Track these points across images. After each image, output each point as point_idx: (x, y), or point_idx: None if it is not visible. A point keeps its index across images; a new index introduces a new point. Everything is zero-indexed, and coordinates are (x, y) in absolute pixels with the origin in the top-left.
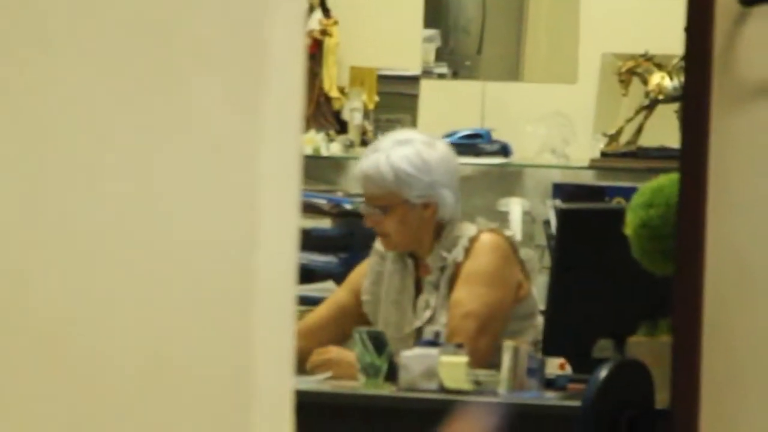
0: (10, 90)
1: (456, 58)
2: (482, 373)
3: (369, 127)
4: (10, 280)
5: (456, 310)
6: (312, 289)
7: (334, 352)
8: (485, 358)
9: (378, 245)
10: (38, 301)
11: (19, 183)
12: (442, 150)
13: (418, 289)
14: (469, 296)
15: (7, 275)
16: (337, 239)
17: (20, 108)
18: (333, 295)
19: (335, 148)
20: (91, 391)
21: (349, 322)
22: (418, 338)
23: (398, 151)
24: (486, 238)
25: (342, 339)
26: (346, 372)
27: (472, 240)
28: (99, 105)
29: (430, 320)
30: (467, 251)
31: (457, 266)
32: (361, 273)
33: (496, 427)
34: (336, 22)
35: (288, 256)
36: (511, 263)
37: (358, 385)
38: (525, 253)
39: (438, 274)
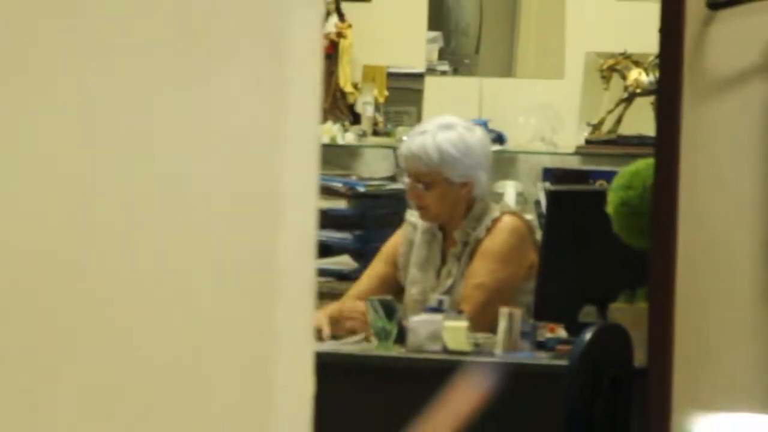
0: (69, 81)
1: (456, 57)
2: (481, 336)
3: (380, 118)
4: (57, 262)
5: (470, 280)
6: (329, 263)
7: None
8: (490, 326)
9: (410, 216)
10: (83, 275)
11: (67, 166)
12: (480, 135)
13: (444, 260)
14: (483, 270)
15: (54, 257)
16: (351, 218)
17: (74, 94)
18: (370, 269)
19: (350, 138)
20: (129, 351)
21: (391, 292)
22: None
23: (443, 135)
24: (507, 219)
25: None
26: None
27: (495, 220)
28: (142, 96)
29: (450, 289)
30: (488, 230)
31: (478, 242)
32: (395, 244)
33: (492, 386)
34: (350, 26)
35: (308, 233)
36: (527, 244)
37: (371, 347)
38: (540, 235)
39: (461, 247)
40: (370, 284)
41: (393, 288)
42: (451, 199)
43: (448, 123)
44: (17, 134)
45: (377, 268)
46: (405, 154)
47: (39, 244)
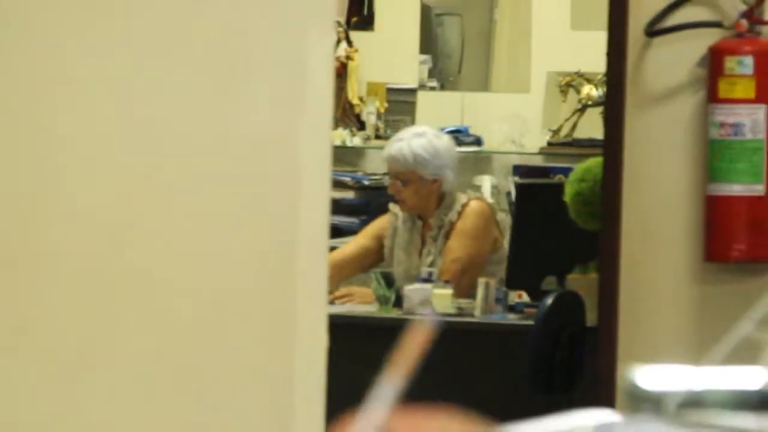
0: (133, 89)
1: (442, 76)
2: (463, 302)
3: (381, 125)
4: (119, 242)
5: (447, 256)
6: (340, 242)
7: (356, 290)
8: (466, 292)
9: (393, 208)
10: (136, 250)
11: (123, 164)
12: (446, 140)
13: (423, 242)
14: (457, 246)
15: (117, 238)
16: (358, 206)
17: (135, 101)
18: (355, 240)
19: (357, 141)
20: (169, 318)
21: (369, 260)
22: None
23: (416, 141)
24: (474, 204)
25: (362, 272)
26: (367, 300)
27: (464, 206)
28: (187, 109)
29: (431, 265)
30: (460, 214)
31: (452, 225)
32: (382, 225)
33: (471, 341)
34: (357, 50)
35: (322, 218)
36: (491, 223)
37: (374, 310)
38: (501, 216)
39: (437, 231)
40: (353, 252)
41: (371, 260)
42: (424, 193)
43: (420, 132)
44: (97, 136)
45: (360, 241)
46: (386, 157)
47: (96, 230)
